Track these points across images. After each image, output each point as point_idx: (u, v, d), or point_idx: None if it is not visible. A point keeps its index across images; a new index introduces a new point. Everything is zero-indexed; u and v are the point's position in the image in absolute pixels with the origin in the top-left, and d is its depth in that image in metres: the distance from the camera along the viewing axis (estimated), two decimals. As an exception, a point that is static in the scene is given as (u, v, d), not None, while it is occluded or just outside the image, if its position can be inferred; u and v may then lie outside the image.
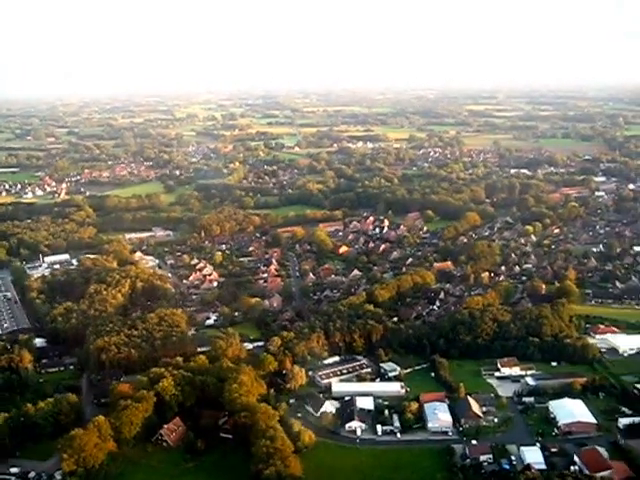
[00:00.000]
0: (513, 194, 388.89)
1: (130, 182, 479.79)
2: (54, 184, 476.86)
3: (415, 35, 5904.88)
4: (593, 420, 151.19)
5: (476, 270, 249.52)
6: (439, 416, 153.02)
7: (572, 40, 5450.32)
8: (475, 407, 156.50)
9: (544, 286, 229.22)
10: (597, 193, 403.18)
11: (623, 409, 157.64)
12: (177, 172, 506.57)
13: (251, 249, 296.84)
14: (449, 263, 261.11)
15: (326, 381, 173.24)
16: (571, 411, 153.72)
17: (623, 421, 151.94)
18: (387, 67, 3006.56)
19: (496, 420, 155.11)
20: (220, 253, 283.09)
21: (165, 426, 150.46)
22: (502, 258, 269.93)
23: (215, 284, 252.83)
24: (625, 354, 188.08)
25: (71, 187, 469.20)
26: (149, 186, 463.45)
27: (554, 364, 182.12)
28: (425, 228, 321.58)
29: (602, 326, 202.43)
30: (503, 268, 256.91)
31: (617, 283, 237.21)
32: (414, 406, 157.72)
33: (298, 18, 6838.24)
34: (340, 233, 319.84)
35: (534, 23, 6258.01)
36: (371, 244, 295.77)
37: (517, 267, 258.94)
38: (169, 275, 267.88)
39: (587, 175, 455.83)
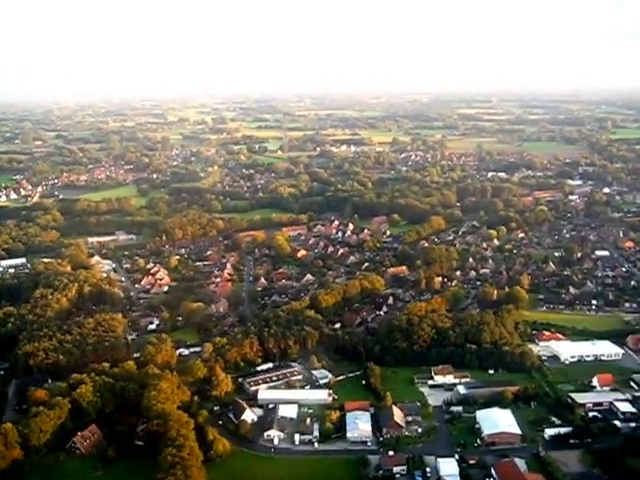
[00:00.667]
0: (485, 197, 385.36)
1: (106, 185, 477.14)
2: (30, 187, 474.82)
3: (415, 38, 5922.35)
4: (518, 431, 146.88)
5: (429, 275, 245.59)
6: (359, 426, 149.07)
7: (571, 41, 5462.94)
8: (398, 417, 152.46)
9: (495, 291, 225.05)
10: (570, 197, 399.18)
11: (553, 419, 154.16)
12: (154, 176, 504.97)
13: (209, 253, 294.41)
14: (404, 268, 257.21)
15: (254, 388, 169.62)
16: (496, 421, 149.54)
17: (549, 432, 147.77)
18: (386, 71, 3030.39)
19: (419, 430, 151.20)
20: (175, 257, 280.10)
21: (79, 433, 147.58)
22: (460, 263, 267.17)
23: (165, 288, 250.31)
24: (566, 362, 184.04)
25: (46, 191, 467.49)
26: (125, 189, 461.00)
27: (491, 372, 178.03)
28: (388, 232, 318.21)
29: (547, 333, 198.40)
30: (458, 273, 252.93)
31: (571, 289, 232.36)
32: (334, 415, 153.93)
33: (298, 21, 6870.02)
34: (302, 237, 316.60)
35: (533, 26, 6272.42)
36: (330, 248, 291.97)
37: (473, 272, 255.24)
38: (122, 279, 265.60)
39: (564, 179, 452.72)
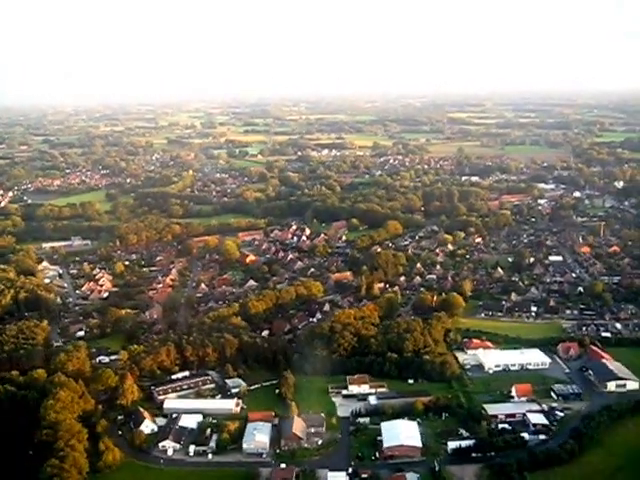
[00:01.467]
0: (451, 202, 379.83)
1: (78, 190, 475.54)
2: (1, 192, 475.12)
3: (416, 41, 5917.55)
4: (418, 443, 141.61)
5: (372, 281, 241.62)
6: (255, 437, 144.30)
7: (572, 43, 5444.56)
8: (298, 428, 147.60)
9: (434, 298, 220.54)
10: (539, 201, 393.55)
11: (461, 431, 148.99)
12: (128, 180, 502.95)
13: (159, 259, 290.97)
14: (348, 274, 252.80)
15: (162, 397, 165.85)
16: (398, 434, 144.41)
17: (451, 444, 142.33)
18: (386, 74, 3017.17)
19: (320, 442, 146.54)
20: (121, 263, 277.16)
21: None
22: (408, 268, 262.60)
23: (105, 294, 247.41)
24: (490, 371, 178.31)
25: (16, 195, 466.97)
26: (94, 194, 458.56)
27: (411, 382, 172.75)
28: (344, 237, 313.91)
29: (476, 341, 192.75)
30: (403, 279, 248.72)
31: (513, 295, 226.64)
32: (233, 426, 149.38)
33: (298, 25, 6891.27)
34: (256, 242, 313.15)
35: (534, 27, 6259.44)
36: (281, 254, 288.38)
37: (419, 278, 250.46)
38: (65, 285, 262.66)
39: (536, 182, 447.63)
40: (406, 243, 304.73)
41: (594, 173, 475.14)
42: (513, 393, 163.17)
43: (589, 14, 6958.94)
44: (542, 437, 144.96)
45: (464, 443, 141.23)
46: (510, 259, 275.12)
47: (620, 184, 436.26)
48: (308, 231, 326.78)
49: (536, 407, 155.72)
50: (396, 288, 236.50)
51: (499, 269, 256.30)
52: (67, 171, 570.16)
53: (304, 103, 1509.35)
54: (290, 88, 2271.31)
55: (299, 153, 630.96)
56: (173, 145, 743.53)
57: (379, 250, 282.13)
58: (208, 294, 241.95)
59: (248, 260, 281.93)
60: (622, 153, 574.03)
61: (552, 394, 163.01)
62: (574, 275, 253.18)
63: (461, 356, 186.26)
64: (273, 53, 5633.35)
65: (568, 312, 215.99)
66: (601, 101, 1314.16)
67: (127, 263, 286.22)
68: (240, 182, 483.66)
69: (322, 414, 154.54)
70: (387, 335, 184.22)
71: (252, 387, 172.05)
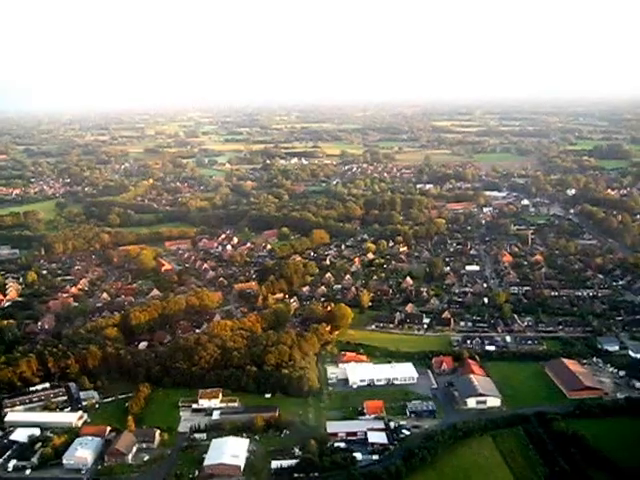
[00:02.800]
0: (394, 210, 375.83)
1: (32, 199, 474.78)
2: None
3: (415, 51, 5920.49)
4: (240, 463, 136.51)
5: (273, 291, 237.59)
6: (77, 452, 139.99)
7: (570, 52, 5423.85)
8: (122, 443, 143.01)
9: (322, 308, 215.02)
10: (484, 209, 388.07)
11: (295, 450, 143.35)
12: (86, 189, 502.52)
13: (76, 268, 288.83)
14: (252, 283, 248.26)
15: (7, 410, 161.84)
16: (222, 452, 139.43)
17: (274, 464, 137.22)
18: (383, 83, 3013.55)
19: (147, 458, 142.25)
20: (34, 272, 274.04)
21: None
22: (318, 278, 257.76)
23: (7, 304, 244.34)
24: (355, 386, 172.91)
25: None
26: (47, 204, 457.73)
27: (268, 396, 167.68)
28: (269, 246, 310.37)
29: (349, 354, 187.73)
30: (306, 289, 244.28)
31: (408, 306, 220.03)
32: (58, 440, 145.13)
33: (301, 35, 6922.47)
34: (180, 251, 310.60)
35: (532, 37, 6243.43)
36: (198, 263, 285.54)
37: (324, 288, 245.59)
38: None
39: (491, 190, 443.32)
40: (329, 252, 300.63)
41: (551, 181, 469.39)
42: (365, 410, 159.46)
43: (590, 20, 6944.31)
44: (375, 457, 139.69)
45: (286, 463, 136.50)
46: (428, 269, 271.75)
47: (572, 192, 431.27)
48: (236, 240, 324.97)
49: (379, 425, 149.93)
50: (294, 298, 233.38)
51: (408, 279, 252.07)
52: (32, 180, 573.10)
53: (296, 112, 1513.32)
54: (289, 97, 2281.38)
55: (267, 161, 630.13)
56: (148, 154, 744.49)
57: (294, 259, 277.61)
58: (109, 303, 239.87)
59: (163, 269, 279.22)
60: (587, 161, 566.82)
61: (407, 411, 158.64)
62: (485, 285, 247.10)
63: (331, 370, 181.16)
64: (276, 61, 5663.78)
65: (462, 324, 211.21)
66: (590, 109, 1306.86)
67: (44, 272, 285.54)
68: (195, 191, 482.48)
69: (156, 429, 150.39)
70: (252, 348, 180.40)
71: (107, 400, 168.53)
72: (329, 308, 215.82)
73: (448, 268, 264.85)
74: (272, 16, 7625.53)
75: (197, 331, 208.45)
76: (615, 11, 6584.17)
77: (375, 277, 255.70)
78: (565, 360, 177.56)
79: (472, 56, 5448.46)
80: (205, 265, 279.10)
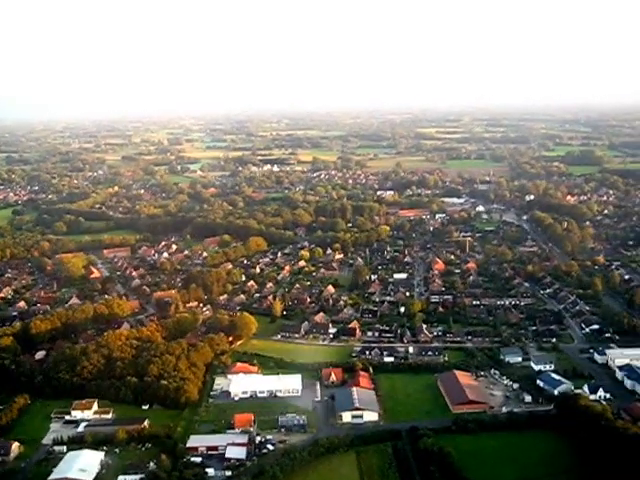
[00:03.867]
0: (344, 216, 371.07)
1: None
2: None
3: (414, 58, 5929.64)
4: (86, 477, 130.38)
5: (188, 299, 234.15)
6: None
7: (570, 56, 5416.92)
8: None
9: (228, 317, 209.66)
10: (437, 215, 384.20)
11: (151, 463, 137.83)
12: (50, 197, 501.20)
13: (7, 276, 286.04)
14: (172, 292, 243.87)
15: None
16: (72, 465, 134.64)
17: (121, 479, 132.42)
18: (380, 90, 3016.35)
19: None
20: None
21: None
22: (242, 286, 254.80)
23: None
24: (236, 397, 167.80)
25: None
26: (6, 211, 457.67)
27: (145, 407, 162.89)
28: (205, 254, 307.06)
29: (240, 365, 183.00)
30: (223, 297, 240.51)
31: (317, 316, 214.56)
32: None
33: (302, 41, 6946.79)
34: (116, 259, 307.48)
35: (532, 42, 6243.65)
36: (128, 270, 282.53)
37: (243, 296, 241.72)
38: None
39: (450, 196, 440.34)
40: (263, 260, 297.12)
41: (513, 187, 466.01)
42: (234, 423, 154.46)
43: (587, 27, 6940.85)
44: (228, 473, 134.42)
45: (131, 478, 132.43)
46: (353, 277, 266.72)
47: (531, 197, 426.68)
48: (174, 247, 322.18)
49: (241, 440, 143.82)
50: (207, 307, 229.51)
51: (330, 287, 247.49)
52: (1, 187, 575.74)
53: (287, 119, 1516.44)
54: (287, 104, 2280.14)
55: (239, 168, 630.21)
56: (125, 161, 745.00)
57: (224, 267, 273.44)
58: (23, 311, 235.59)
59: (92, 277, 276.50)
60: (556, 167, 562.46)
61: (278, 425, 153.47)
62: (407, 294, 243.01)
63: (218, 381, 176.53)
64: (277, 69, 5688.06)
65: (370, 334, 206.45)
66: (578, 116, 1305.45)
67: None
68: (156, 198, 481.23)
69: (14, 442, 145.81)
70: (138, 358, 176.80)
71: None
72: (231, 317, 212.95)
73: (375, 276, 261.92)
74: (273, 23, 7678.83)
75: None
76: (615, 17, 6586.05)
77: (297, 285, 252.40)
78: (457, 372, 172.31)
79: (471, 63, 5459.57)
80: (133, 273, 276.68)
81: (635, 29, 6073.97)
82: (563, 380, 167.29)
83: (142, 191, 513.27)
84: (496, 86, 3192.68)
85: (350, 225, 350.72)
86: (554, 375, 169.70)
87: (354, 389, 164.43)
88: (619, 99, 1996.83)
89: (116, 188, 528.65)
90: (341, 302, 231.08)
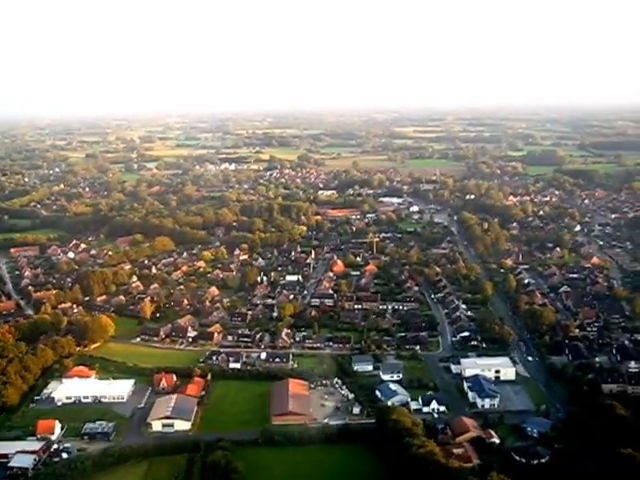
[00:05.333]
0: (271, 216, 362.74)
1: None
2: None
3: (414, 57, 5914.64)
4: None
5: (64, 299, 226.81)
6: None
7: (570, 57, 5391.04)
8: None
9: (88, 319, 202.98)
10: (368, 215, 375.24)
11: None
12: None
13: None
14: (53, 292, 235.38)
15: None
16: None
17: None
18: (372, 90, 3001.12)
19: None
20: None
21: None
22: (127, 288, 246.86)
23: None
24: (59, 403, 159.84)
25: None
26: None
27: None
28: (110, 253, 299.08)
29: (78, 369, 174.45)
30: (101, 298, 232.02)
31: (183, 319, 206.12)
32: None
33: (303, 41, 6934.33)
34: (20, 258, 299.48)
35: (533, 41, 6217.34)
36: (23, 270, 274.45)
37: (123, 298, 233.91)
38: None
39: (391, 196, 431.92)
40: (167, 259, 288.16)
41: (456, 187, 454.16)
42: (36, 430, 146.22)
43: (588, 27, 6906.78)
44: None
45: None
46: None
47: (471, 197, 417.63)
48: (83, 246, 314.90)
49: (36, 447, 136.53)
50: (79, 308, 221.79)
51: (213, 288, 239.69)
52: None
53: (271, 117, 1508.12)
54: (286, 103, 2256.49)
55: (197, 167, 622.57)
56: (88, 159, 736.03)
57: (121, 267, 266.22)
58: None
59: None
60: (513, 167, 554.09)
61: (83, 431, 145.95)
62: (292, 297, 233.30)
63: (51, 386, 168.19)
64: (278, 67, 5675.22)
65: (230, 338, 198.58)
66: (563, 115, 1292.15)
67: None
68: (95, 196, 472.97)
69: None
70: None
71: None
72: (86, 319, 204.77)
73: (265, 278, 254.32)
74: (274, 22, 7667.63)
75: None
76: (615, 17, 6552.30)
77: (182, 287, 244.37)
78: (292, 381, 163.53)
79: (471, 64, 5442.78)
80: (27, 272, 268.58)
81: (635, 29, 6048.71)
82: (399, 391, 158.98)
83: (87, 189, 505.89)
84: (493, 86, 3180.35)
85: (270, 225, 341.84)
86: (392, 385, 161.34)
87: (173, 397, 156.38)
88: (616, 99, 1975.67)
89: (61, 186, 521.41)
90: (217, 305, 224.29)
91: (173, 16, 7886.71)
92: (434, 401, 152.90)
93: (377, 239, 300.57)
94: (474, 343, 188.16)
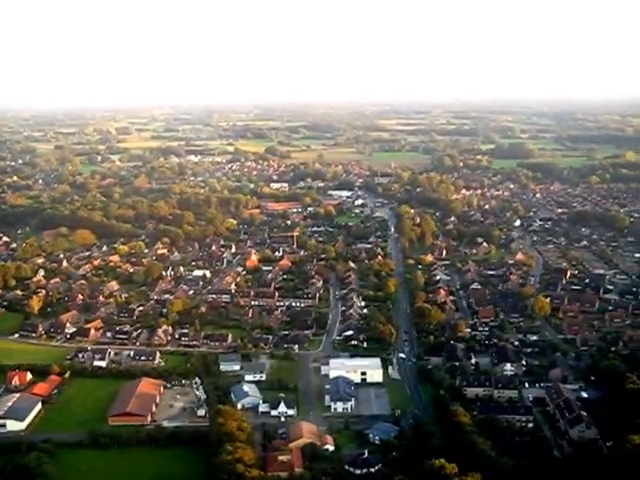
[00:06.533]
0: (209, 208, 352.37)
1: None
2: None
3: (418, 49, 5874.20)
4: None
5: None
6: None
7: (574, 51, 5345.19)
8: None
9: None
10: (309, 208, 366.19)
11: None
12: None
13: None
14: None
15: None
16: None
17: None
18: (372, 82, 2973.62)
19: None
20: None
21: None
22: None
23: None
24: None
25: None
26: None
27: None
28: (24, 246, 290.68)
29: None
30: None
31: (68, 315, 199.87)
32: None
33: (303, 35, 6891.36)
34: None
35: (535, 34, 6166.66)
36: None
37: (19, 292, 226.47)
38: None
39: (342, 189, 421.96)
40: (85, 253, 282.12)
41: (407, 180, 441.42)
42: None
43: (592, 21, 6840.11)
44: None
45: None
46: (165, 272, 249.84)
47: (418, 191, 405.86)
48: (5, 239, 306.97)
49: None
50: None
51: (113, 283, 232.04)
52: None
53: (259, 110, 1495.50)
54: (285, 97, 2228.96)
55: (161, 159, 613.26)
56: (56, 151, 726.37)
57: (38, 261, 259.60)
58: None
59: None
60: (479, 160, 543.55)
61: None
62: (191, 292, 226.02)
63: None
64: (280, 61, 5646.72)
65: (109, 334, 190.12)
66: (554, 109, 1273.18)
67: None
68: (47, 189, 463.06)
69: None
70: None
71: None
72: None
73: (171, 272, 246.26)
74: (277, 17, 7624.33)
75: None
76: (616, 12, 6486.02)
77: (83, 281, 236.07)
78: (145, 380, 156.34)
79: (474, 58, 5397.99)
80: None
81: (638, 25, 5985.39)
82: (251, 393, 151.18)
83: (40, 181, 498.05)
84: (493, 80, 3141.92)
85: (201, 219, 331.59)
86: (246, 387, 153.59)
87: (15, 396, 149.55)
88: (624, 94, 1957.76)
89: (15, 178, 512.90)
90: (110, 300, 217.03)
91: (172, 8, 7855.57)
92: (282, 404, 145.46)
93: (297, 233, 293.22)
94: (354, 342, 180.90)
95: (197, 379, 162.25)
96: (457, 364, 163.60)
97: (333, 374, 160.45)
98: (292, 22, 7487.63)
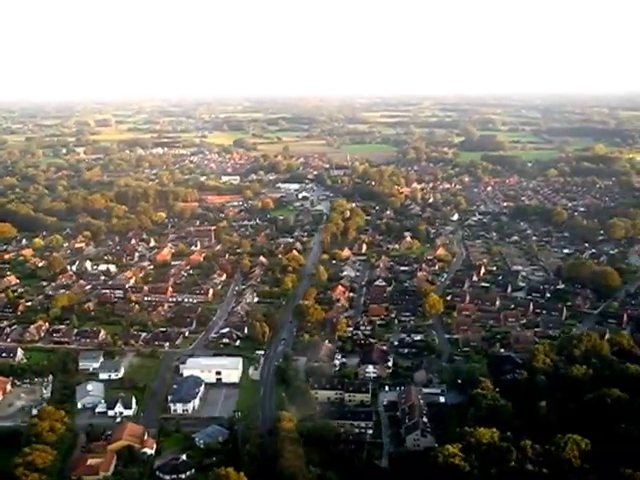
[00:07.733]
0: (147, 202, 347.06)
1: None
2: None
3: (422, 45, 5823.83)
4: None
5: None
6: None
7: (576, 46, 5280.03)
8: None
9: None
10: (250, 201, 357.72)
11: None
12: None
13: None
14: None
15: None
16: None
17: None
18: (371, 76, 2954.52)
19: None
20: None
21: None
22: None
23: None
24: None
25: None
26: None
27: None
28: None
29: None
30: None
31: None
32: None
33: (297, 27, 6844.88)
34: None
35: (538, 30, 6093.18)
36: None
37: None
38: None
39: (292, 182, 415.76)
40: (3, 247, 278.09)
41: (360, 173, 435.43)
42: None
43: (594, 17, 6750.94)
44: None
45: None
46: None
47: (365, 183, 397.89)
48: None
49: None
50: None
51: (12, 277, 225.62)
52: None
53: (249, 102, 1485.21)
54: (285, 91, 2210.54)
55: (126, 151, 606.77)
56: (28, 142, 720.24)
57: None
58: None
59: None
60: (445, 153, 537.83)
61: None
62: (88, 287, 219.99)
63: None
64: (283, 56, 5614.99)
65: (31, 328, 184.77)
66: (546, 103, 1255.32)
67: None
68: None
69: None
70: None
71: None
72: None
73: (75, 267, 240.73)
74: (273, 9, 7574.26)
75: None
76: (617, 7, 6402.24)
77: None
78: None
79: (472, 52, 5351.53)
80: None
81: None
82: (93, 392, 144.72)
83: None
84: (493, 75, 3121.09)
85: (131, 212, 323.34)
86: (89, 386, 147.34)
87: None
88: (615, 88, 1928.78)
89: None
90: (2, 295, 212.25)
91: (170, 2, 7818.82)
92: (119, 404, 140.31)
93: (213, 227, 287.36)
94: (226, 341, 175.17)
95: (50, 377, 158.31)
96: (319, 364, 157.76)
97: (187, 373, 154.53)
98: (290, 15, 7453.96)
